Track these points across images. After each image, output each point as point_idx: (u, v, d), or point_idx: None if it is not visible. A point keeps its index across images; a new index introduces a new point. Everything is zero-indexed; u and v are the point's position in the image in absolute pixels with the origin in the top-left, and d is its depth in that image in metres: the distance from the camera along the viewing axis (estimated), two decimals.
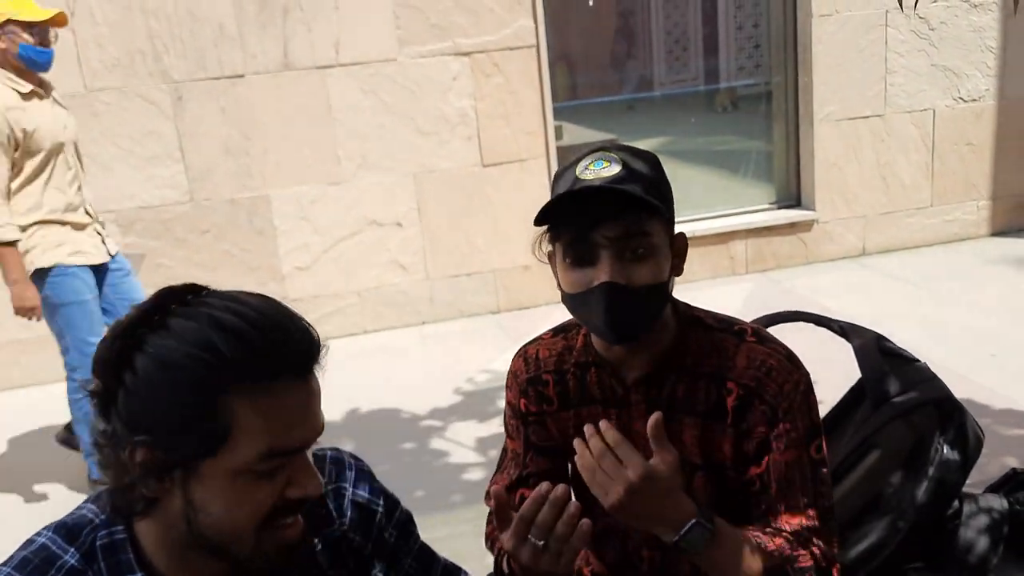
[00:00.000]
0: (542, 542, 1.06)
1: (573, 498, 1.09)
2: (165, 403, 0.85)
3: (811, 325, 2.04)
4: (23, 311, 3.04)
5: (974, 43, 5.28)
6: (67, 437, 3.46)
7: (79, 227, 3.18)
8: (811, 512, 1.21)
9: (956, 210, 5.53)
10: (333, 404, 3.43)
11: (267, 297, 0.93)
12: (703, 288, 5.03)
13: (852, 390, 2.08)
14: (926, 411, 1.89)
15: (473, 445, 3.38)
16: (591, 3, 5.52)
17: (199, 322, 0.87)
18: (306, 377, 0.91)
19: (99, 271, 3.26)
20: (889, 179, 5.39)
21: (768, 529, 1.20)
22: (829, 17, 5.07)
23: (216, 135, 4.54)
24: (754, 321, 1.48)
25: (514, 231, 4.92)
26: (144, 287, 3.44)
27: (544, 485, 1.07)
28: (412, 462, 3.31)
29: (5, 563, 0.92)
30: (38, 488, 3.41)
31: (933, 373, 1.97)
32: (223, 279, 4.44)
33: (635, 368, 1.28)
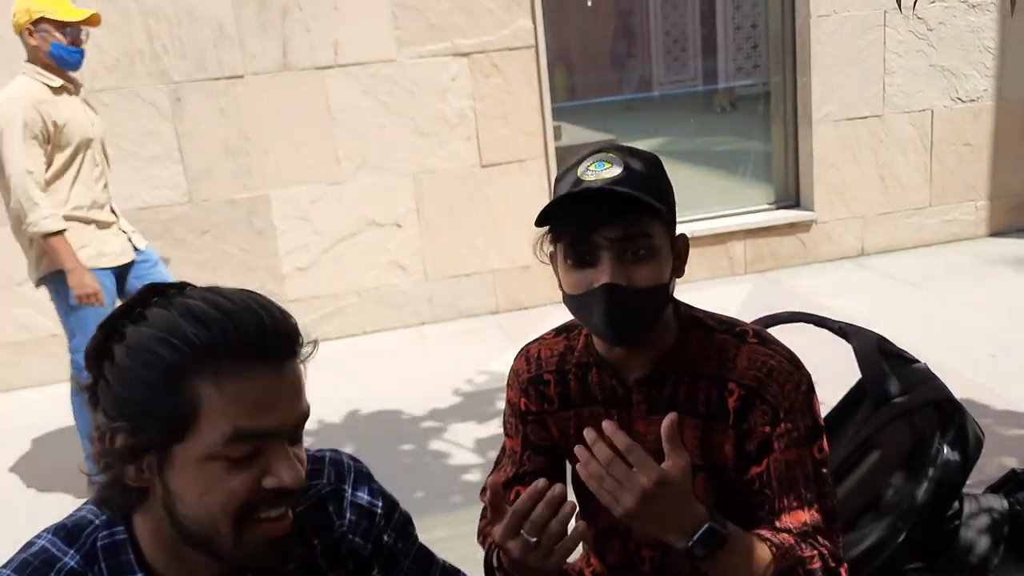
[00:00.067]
0: (535, 539, 1.06)
1: (572, 498, 1.09)
2: (136, 388, 0.88)
3: (811, 326, 2.05)
4: (85, 297, 3.02)
5: (972, 43, 5.29)
6: None
7: (104, 225, 3.19)
8: (816, 511, 1.21)
9: (954, 210, 5.54)
10: (332, 405, 3.43)
11: (248, 290, 0.94)
12: (702, 288, 5.04)
13: (852, 391, 2.08)
14: (926, 412, 1.89)
15: (472, 446, 3.38)
16: (590, 4, 5.52)
17: (172, 311, 0.89)
18: (277, 364, 0.90)
19: (125, 267, 3.28)
20: (888, 179, 5.39)
21: (774, 530, 1.20)
22: (827, 17, 5.07)
23: (215, 135, 4.54)
24: (754, 322, 1.48)
25: (513, 231, 4.92)
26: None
27: (541, 481, 1.08)
28: (411, 463, 3.31)
29: (5, 566, 0.92)
30: (37, 490, 3.40)
31: (933, 374, 1.97)
32: (222, 279, 4.42)
33: (636, 369, 1.29)
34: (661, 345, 1.28)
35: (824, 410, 1.29)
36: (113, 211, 3.27)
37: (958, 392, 1.98)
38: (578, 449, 1.10)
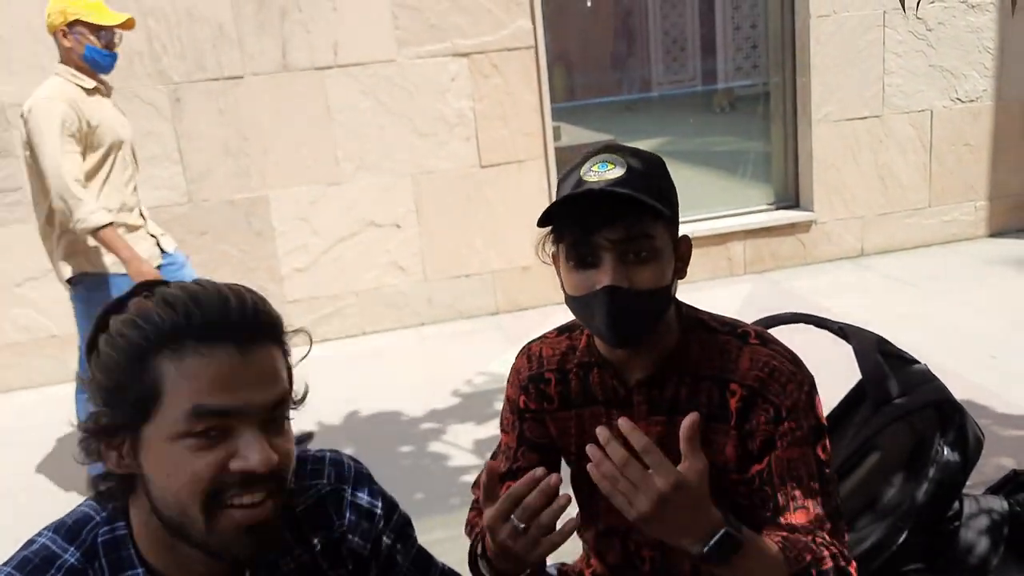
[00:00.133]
0: (523, 525, 1.06)
1: (573, 498, 1.08)
2: (108, 372, 0.91)
3: (811, 327, 2.04)
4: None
5: (972, 44, 5.29)
6: None
7: (132, 228, 3.17)
8: (821, 510, 1.20)
9: (954, 211, 5.54)
10: (332, 406, 3.43)
11: (237, 284, 0.96)
12: (701, 289, 5.04)
13: (852, 392, 2.08)
14: (926, 413, 1.89)
15: (472, 447, 3.37)
16: (589, 4, 5.52)
17: (149, 300, 0.93)
18: (242, 345, 0.90)
19: None
20: (887, 180, 5.39)
21: (782, 530, 1.19)
22: (827, 18, 5.07)
23: (214, 136, 4.54)
24: (754, 323, 1.48)
25: (512, 232, 4.92)
26: None
27: (540, 470, 1.08)
28: (410, 464, 3.31)
29: (5, 563, 0.93)
30: (36, 492, 3.40)
31: (933, 375, 1.97)
32: (221, 280, 4.43)
33: (638, 369, 1.28)
34: (663, 346, 1.27)
35: (824, 411, 1.29)
36: (142, 214, 3.25)
37: (958, 393, 1.98)
38: (590, 448, 1.07)
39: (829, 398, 1.97)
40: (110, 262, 3.07)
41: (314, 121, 4.64)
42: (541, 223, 1.21)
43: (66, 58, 3.03)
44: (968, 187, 5.52)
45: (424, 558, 1.19)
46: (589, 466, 1.07)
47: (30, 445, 3.84)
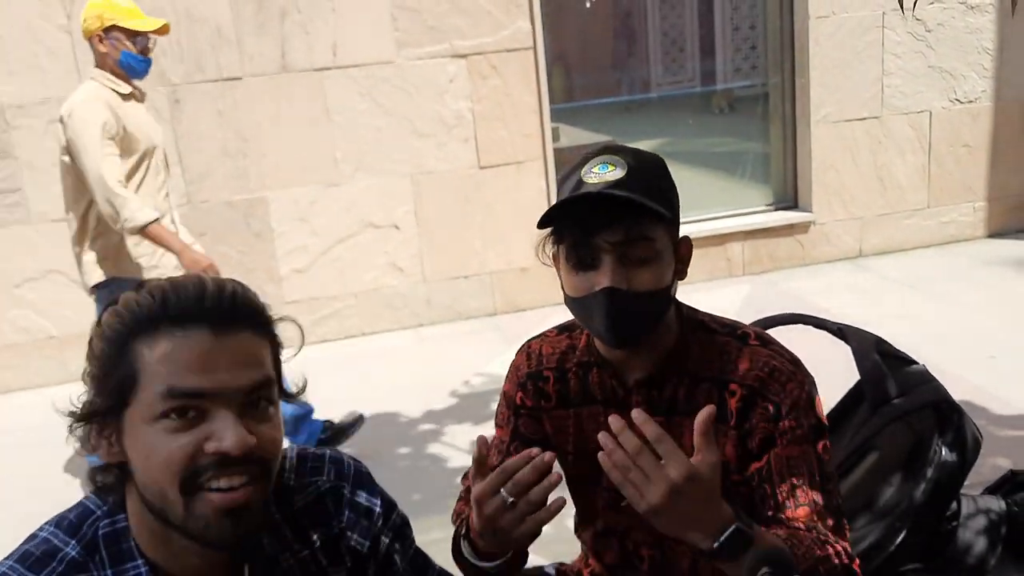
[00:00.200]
0: (512, 499, 1.07)
1: (559, 470, 1.09)
2: (94, 361, 0.93)
3: (809, 327, 2.05)
4: (203, 271, 2.97)
5: (971, 45, 5.29)
6: None
7: None
8: (823, 508, 1.19)
9: (953, 211, 5.54)
10: (331, 407, 3.42)
11: (222, 277, 0.98)
12: (700, 290, 5.04)
13: (850, 392, 2.08)
14: (924, 413, 1.89)
15: (470, 449, 3.36)
16: (588, 5, 5.52)
17: (136, 292, 0.94)
18: (217, 327, 0.91)
19: None
20: (886, 180, 5.39)
21: (788, 528, 1.18)
22: (826, 19, 5.08)
23: (213, 137, 4.54)
24: (752, 323, 1.48)
25: (511, 233, 4.93)
26: None
27: (535, 449, 1.09)
28: (409, 465, 3.31)
29: (7, 557, 0.94)
30: (35, 493, 3.40)
31: (931, 375, 1.97)
32: None
33: (637, 370, 1.29)
34: (662, 347, 1.28)
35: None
36: (173, 220, 3.23)
37: (956, 393, 1.98)
38: (602, 436, 1.05)
39: (828, 398, 1.97)
40: (138, 268, 3.07)
41: (313, 122, 4.64)
42: (541, 225, 1.21)
43: (101, 63, 3.03)
44: (967, 188, 5.52)
45: (421, 559, 1.20)
46: (601, 455, 1.05)
47: (29, 446, 3.84)
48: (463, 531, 1.22)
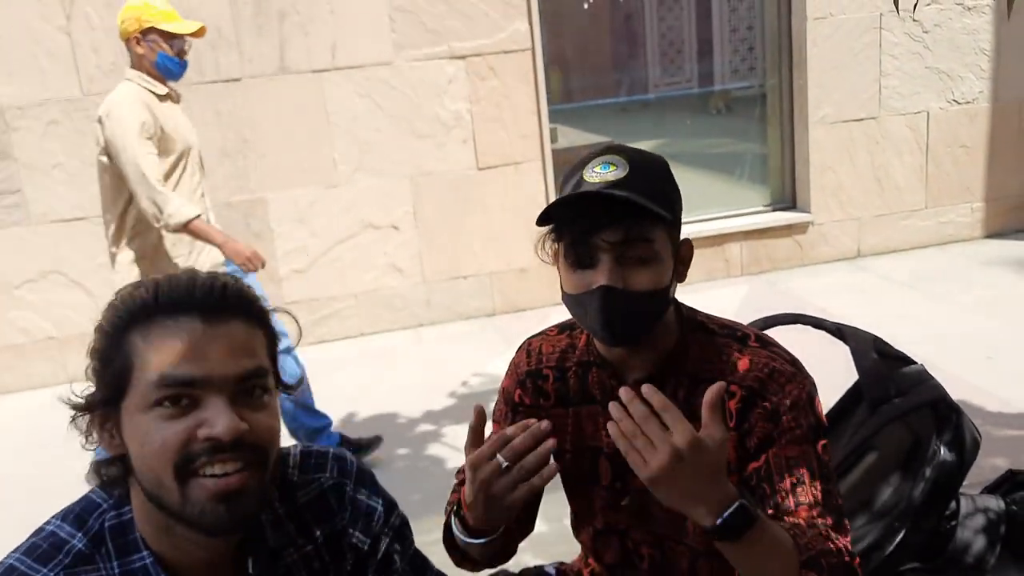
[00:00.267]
0: (507, 463, 1.10)
1: (552, 441, 1.11)
2: (94, 353, 0.96)
3: (808, 327, 2.05)
4: (247, 264, 2.98)
5: (968, 46, 5.31)
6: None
7: None
8: (823, 507, 1.19)
9: (950, 212, 5.55)
10: (330, 407, 3.43)
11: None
12: (698, 290, 5.04)
13: (849, 392, 2.09)
14: (923, 413, 1.90)
15: None
16: (586, 7, 5.53)
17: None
18: (209, 318, 0.93)
19: None
20: (883, 181, 5.40)
21: (789, 524, 1.17)
22: (823, 20, 5.09)
23: (213, 138, 4.54)
24: (751, 324, 1.49)
25: (510, 234, 4.93)
26: None
27: (531, 420, 1.12)
28: (408, 465, 3.31)
29: (15, 550, 0.95)
30: (36, 494, 3.40)
31: (929, 375, 1.98)
32: None
33: (636, 370, 1.29)
34: (662, 347, 1.28)
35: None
36: (209, 220, 3.22)
37: (954, 393, 1.99)
38: (612, 405, 1.06)
39: (826, 399, 1.98)
40: (175, 268, 3.06)
41: (312, 123, 4.64)
42: (540, 222, 1.22)
43: (137, 64, 3.04)
44: (964, 188, 5.53)
45: (420, 560, 1.20)
46: (609, 423, 1.07)
47: (29, 447, 3.84)
48: (454, 509, 1.24)
